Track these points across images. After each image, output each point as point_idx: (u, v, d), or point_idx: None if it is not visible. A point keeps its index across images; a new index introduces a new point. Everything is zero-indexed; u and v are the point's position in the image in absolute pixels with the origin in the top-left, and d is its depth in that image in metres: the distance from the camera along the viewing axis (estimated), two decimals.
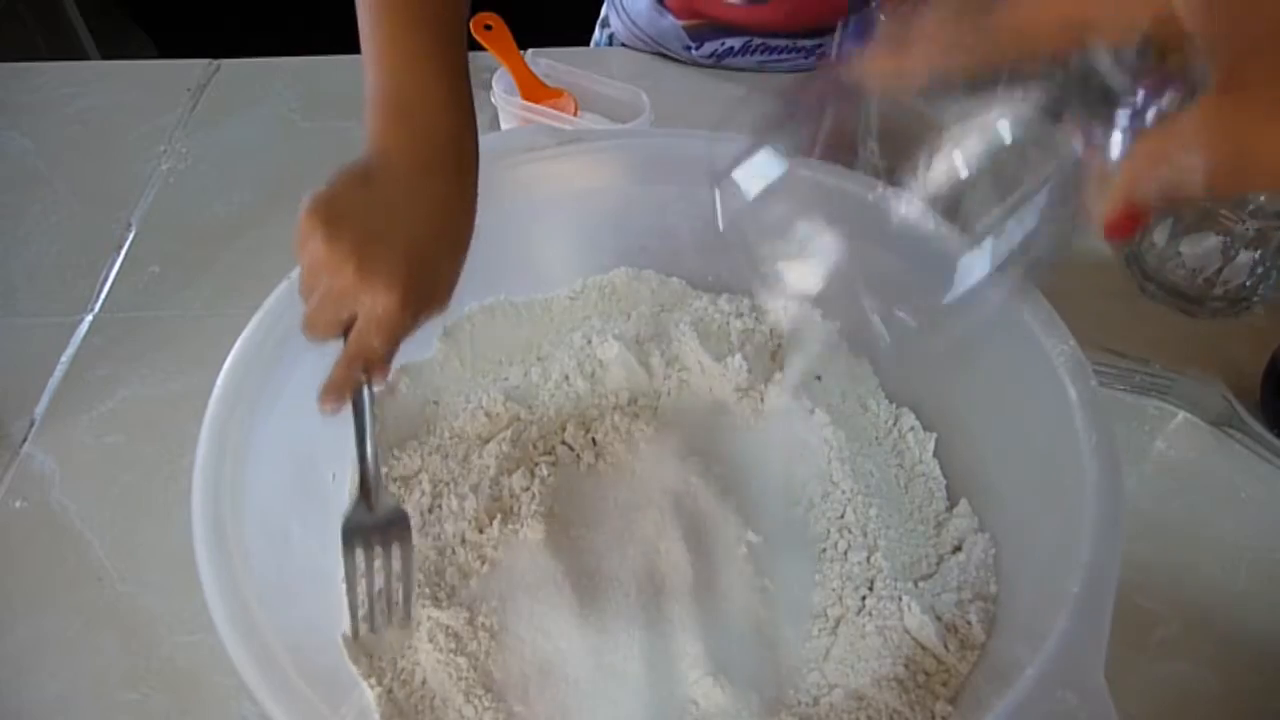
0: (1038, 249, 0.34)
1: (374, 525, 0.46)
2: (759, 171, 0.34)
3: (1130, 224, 0.29)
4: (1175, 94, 0.29)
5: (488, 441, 0.57)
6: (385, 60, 0.47)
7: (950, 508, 0.55)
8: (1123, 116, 0.30)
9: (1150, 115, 0.29)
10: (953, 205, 0.60)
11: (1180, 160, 0.27)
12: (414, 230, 0.44)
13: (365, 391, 0.46)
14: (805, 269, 0.45)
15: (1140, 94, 0.29)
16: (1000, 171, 0.34)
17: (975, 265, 0.37)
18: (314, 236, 0.44)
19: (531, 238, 0.61)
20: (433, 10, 0.47)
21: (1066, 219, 0.33)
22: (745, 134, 0.36)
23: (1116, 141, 0.30)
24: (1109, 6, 0.28)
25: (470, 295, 0.61)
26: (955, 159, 0.34)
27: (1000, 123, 0.31)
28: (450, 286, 0.47)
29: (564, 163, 0.60)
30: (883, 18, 0.30)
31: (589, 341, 0.61)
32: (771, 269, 0.45)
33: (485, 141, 0.58)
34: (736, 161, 0.34)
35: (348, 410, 0.55)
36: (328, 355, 0.53)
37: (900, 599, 0.50)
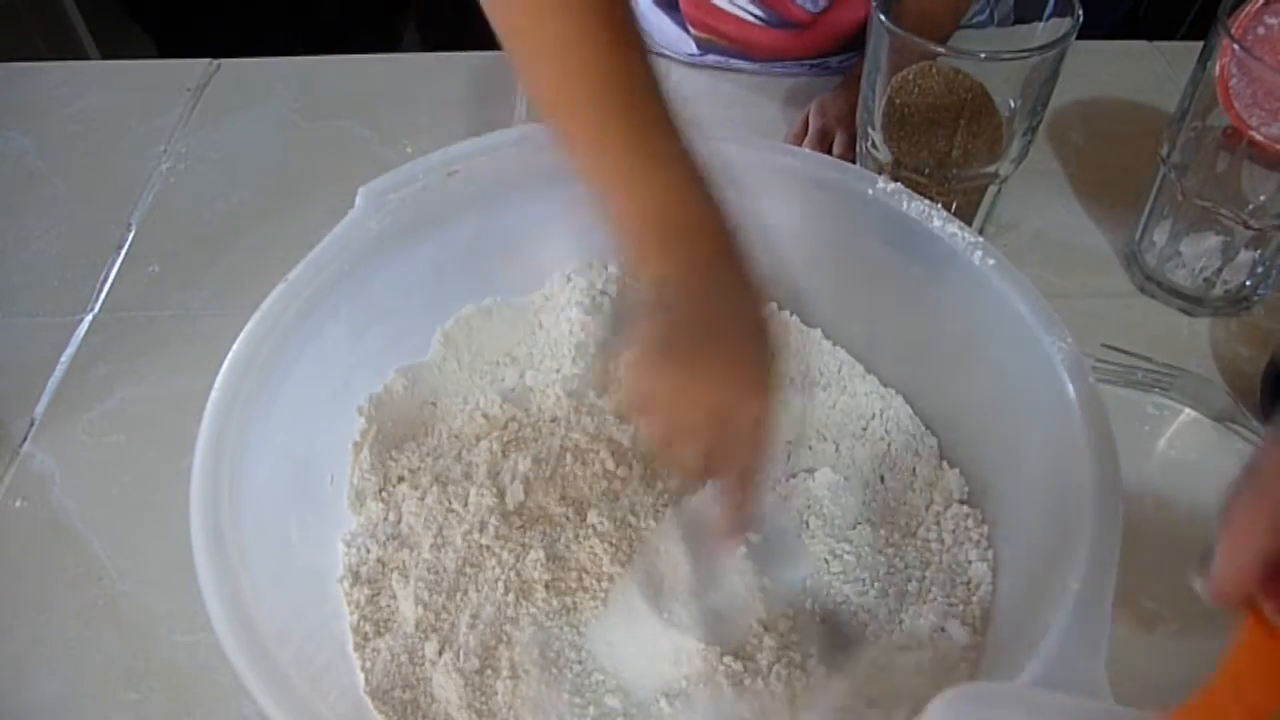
0: None
1: None
2: None
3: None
4: None
5: (485, 442, 0.57)
6: (633, 180, 0.42)
7: (948, 505, 0.54)
8: None
9: None
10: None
11: None
12: (738, 347, 0.43)
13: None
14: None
15: None
16: None
17: None
18: (671, 395, 0.42)
19: (528, 237, 0.61)
20: (651, 93, 0.42)
21: None
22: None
23: None
24: None
25: (467, 297, 0.61)
26: None
27: None
28: (777, 377, 0.44)
29: (555, 162, 0.59)
30: None
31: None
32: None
33: (479, 140, 0.58)
34: None
35: (344, 417, 0.56)
36: (325, 357, 0.53)
37: (897, 598, 0.50)
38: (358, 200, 0.55)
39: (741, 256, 0.43)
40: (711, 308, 0.42)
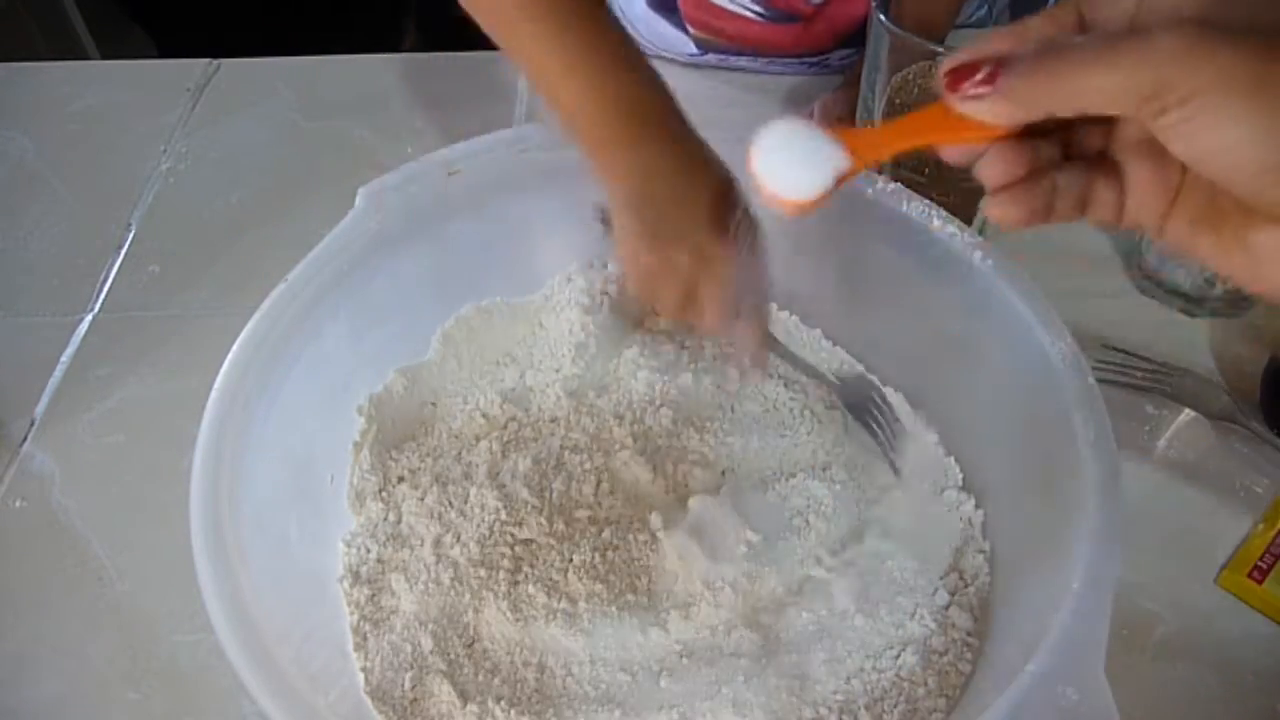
0: None
1: None
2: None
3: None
4: None
5: (485, 442, 0.57)
6: (571, 73, 0.49)
7: (943, 491, 0.54)
8: None
9: None
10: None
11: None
12: (698, 206, 0.49)
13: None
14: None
15: None
16: None
17: None
18: (658, 264, 0.50)
19: (528, 236, 0.61)
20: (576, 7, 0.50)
21: None
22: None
23: None
24: None
25: (467, 297, 0.61)
26: None
27: None
28: (746, 221, 0.51)
29: (556, 162, 0.59)
30: None
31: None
32: None
33: (479, 140, 0.58)
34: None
35: (344, 417, 0.56)
36: (325, 357, 0.53)
37: (898, 597, 0.50)
38: (358, 200, 0.55)
39: (680, 129, 0.50)
40: (673, 182, 0.49)
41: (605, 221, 0.52)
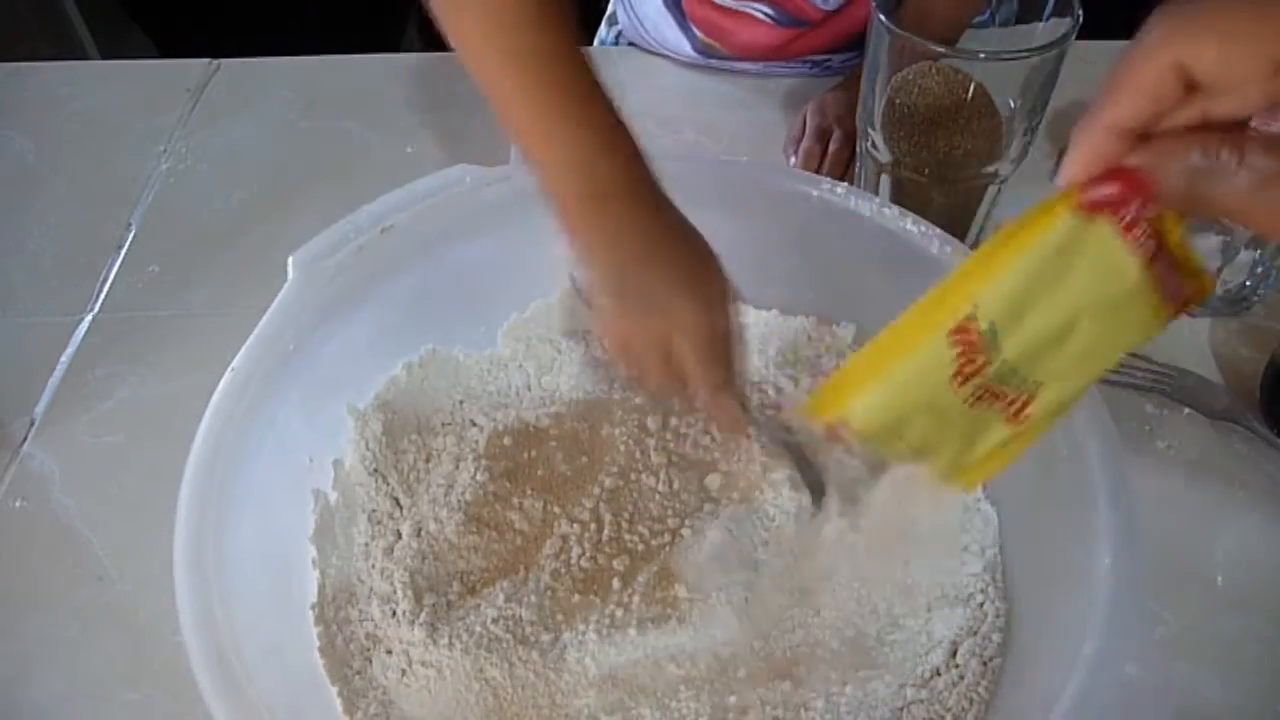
0: None
1: None
2: None
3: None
4: None
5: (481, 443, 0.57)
6: (551, 139, 0.47)
7: (967, 506, 0.54)
8: None
9: None
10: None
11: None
12: (678, 275, 0.48)
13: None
14: None
15: None
16: None
17: None
18: (632, 331, 0.48)
19: (476, 282, 0.60)
20: (557, 51, 0.47)
21: None
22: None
23: None
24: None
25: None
26: None
27: None
28: (725, 288, 0.49)
29: (493, 201, 0.58)
30: None
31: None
32: None
33: (405, 191, 0.56)
34: None
35: (335, 415, 0.56)
36: (323, 373, 0.53)
37: (913, 597, 0.50)
38: (290, 271, 0.53)
39: (660, 201, 0.48)
40: (647, 247, 0.47)
41: (581, 290, 0.50)
